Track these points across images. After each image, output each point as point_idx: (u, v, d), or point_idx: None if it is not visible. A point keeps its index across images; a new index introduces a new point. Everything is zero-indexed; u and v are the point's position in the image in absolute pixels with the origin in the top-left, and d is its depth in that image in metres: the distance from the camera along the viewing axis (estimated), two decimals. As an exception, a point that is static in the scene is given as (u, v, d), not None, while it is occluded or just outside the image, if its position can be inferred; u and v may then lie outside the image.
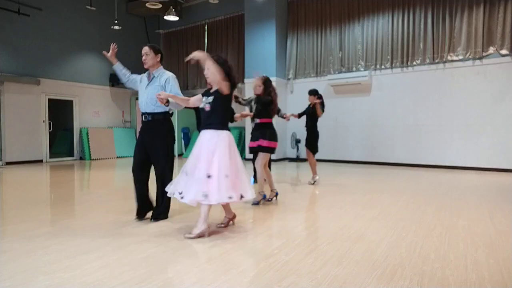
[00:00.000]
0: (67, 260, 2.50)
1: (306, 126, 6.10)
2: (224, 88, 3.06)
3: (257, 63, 10.09)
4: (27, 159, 9.80)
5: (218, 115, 3.12)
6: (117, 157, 11.40)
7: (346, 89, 9.47)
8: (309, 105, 6.10)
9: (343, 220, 3.59)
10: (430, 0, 8.29)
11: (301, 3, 10.20)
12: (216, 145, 3.01)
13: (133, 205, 3.64)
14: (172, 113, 3.70)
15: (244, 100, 4.90)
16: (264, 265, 2.40)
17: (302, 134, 9.03)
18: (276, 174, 7.45)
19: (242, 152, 9.96)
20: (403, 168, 8.30)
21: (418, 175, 7.21)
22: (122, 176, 7.72)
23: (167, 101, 3.27)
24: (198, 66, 12.37)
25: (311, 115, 5.98)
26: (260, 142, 4.34)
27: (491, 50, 7.62)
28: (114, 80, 11.90)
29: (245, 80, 10.23)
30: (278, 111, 4.96)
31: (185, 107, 3.55)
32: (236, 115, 4.31)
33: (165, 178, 3.50)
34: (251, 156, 5.13)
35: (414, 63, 8.55)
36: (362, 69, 9.24)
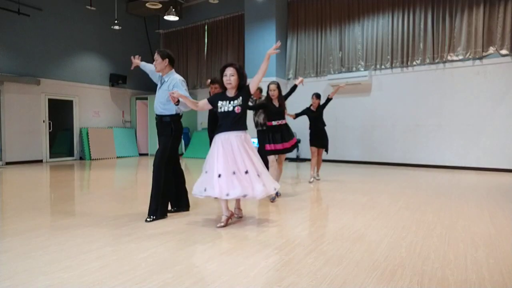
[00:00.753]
0: (67, 260, 2.50)
1: (316, 127, 6.22)
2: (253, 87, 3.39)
3: (257, 63, 10.03)
4: (27, 159, 9.80)
5: (245, 117, 3.39)
6: (117, 157, 11.39)
7: (346, 89, 9.43)
8: (309, 106, 6.20)
9: (343, 220, 3.59)
10: (430, 0, 8.28)
11: (301, 3, 10.20)
12: (249, 145, 3.37)
13: (133, 205, 3.63)
14: (182, 115, 3.81)
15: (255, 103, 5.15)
16: (264, 265, 2.40)
17: (302, 134, 9.06)
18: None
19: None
20: (403, 168, 8.30)
21: (418, 175, 7.21)
22: (122, 176, 7.72)
23: (178, 101, 3.33)
24: (198, 67, 12.43)
25: (319, 116, 6.21)
26: (285, 144, 4.67)
27: (491, 50, 7.62)
28: (114, 80, 11.91)
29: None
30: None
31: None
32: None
33: (157, 175, 3.60)
34: None
35: (414, 63, 8.54)
36: (362, 69, 9.24)
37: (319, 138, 6.24)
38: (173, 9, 10.08)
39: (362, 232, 3.18)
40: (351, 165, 9.11)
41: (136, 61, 3.98)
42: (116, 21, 10.55)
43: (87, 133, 11.02)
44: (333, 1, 9.67)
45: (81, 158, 11.09)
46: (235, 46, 11.42)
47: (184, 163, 9.51)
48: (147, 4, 10.69)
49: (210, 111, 4.14)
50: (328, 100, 6.18)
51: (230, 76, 3.31)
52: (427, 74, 8.41)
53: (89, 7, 10.37)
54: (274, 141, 4.62)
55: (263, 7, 9.95)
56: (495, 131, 7.63)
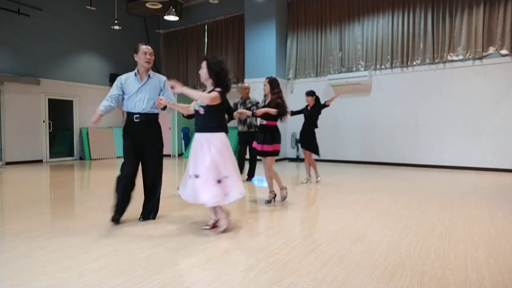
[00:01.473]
0: (67, 260, 2.50)
1: (303, 127, 6.04)
2: (207, 99, 3.04)
3: (257, 63, 10.10)
4: (27, 159, 9.79)
5: (213, 119, 3.15)
6: (117, 157, 11.40)
7: (346, 89, 9.45)
8: (306, 106, 6.07)
9: (343, 220, 3.59)
10: (430, 0, 8.28)
11: (301, 3, 10.20)
12: (210, 147, 3.07)
13: (133, 205, 3.63)
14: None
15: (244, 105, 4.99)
16: (264, 265, 2.40)
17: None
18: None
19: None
20: (403, 168, 8.29)
21: (418, 175, 7.21)
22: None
23: (165, 107, 3.30)
24: (198, 67, 12.41)
25: (311, 116, 5.97)
26: (265, 147, 4.36)
27: (491, 50, 7.62)
28: (114, 80, 11.88)
29: (245, 80, 10.22)
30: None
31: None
32: (235, 113, 4.34)
33: (158, 182, 3.61)
34: None
35: (414, 63, 8.54)
36: (362, 69, 9.24)
37: (303, 139, 6.08)
38: (173, 9, 10.07)
39: (362, 232, 3.17)
40: (351, 165, 9.11)
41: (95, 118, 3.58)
42: (116, 21, 10.54)
43: (87, 133, 11.02)
44: (333, 1, 9.67)
45: (81, 158, 11.09)
46: (235, 46, 11.41)
47: (183, 163, 9.52)
48: (147, 4, 10.68)
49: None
50: (324, 106, 6.03)
51: (200, 70, 3.24)
52: (427, 74, 8.41)
53: (89, 7, 10.36)
54: (257, 140, 4.46)
55: (263, 7, 9.95)
56: (495, 131, 7.63)
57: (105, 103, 3.56)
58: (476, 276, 2.22)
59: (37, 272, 2.30)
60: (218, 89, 3.13)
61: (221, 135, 3.16)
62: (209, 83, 3.23)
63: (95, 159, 10.86)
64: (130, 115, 3.51)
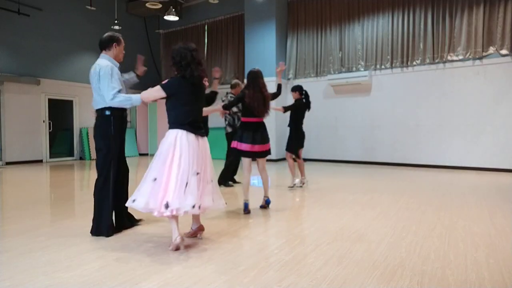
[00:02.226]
0: (67, 260, 2.50)
1: (289, 125, 5.60)
2: (146, 96, 3.02)
3: (257, 63, 10.07)
4: (27, 159, 9.80)
5: (168, 114, 2.90)
6: (117, 157, 11.40)
7: (346, 89, 9.46)
8: (295, 101, 5.58)
9: (343, 220, 3.59)
10: (430, 0, 8.28)
11: (301, 3, 10.20)
12: (162, 146, 2.79)
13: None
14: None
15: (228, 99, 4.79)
16: (264, 265, 2.40)
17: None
18: (275, 174, 7.46)
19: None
20: (403, 168, 8.29)
21: (418, 175, 7.21)
22: (122, 176, 7.71)
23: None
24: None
25: (294, 112, 5.52)
26: (266, 146, 4.06)
27: (491, 50, 7.62)
28: (114, 80, 11.89)
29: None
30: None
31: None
32: (208, 109, 3.84)
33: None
34: None
35: (414, 63, 8.54)
36: (362, 69, 9.24)
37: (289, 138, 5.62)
38: (173, 9, 10.08)
39: (362, 232, 3.18)
40: (351, 165, 9.11)
41: (142, 68, 3.68)
42: (116, 21, 10.53)
43: (87, 133, 11.02)
44: (333, 1, 9.67)
45: (81, 158, 11.09)
46: (235, 46, 11.41)
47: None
48: (147, 4, 10.69)
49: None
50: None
51: None
52: (427, 74, 8.41)
53: (89, 7, 10.36)
54: (245, 140, 3.94)
55: (263, 7, 9.95)
56: (495, 131, 7.63)
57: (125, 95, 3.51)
58: (476, 276, 2.22)
59: (37, 272, 2.30)
60: (164, 81, 2.92)
61: (172, 133, 2.79)
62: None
63: (95, 159, 10.85)
64: (121, 111, 3.48)
